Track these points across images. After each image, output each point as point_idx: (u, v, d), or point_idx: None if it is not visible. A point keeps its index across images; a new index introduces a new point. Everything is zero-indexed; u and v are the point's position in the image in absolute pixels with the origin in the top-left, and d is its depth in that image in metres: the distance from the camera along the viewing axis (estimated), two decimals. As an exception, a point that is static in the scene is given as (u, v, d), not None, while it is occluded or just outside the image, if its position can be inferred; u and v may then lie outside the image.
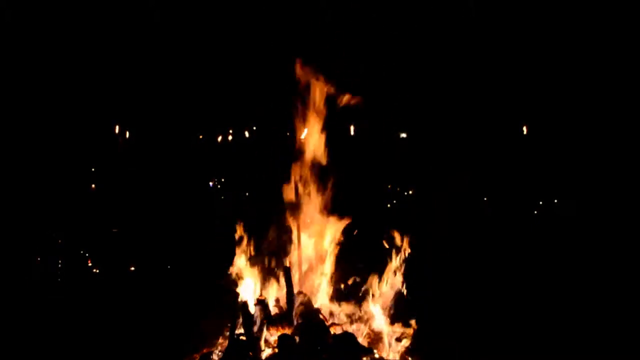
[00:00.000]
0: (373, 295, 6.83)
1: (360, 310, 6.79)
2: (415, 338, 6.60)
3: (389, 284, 6.81)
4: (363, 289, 6.88)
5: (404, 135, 12.74)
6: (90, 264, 9.95)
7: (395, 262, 6.86)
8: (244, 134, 11.58)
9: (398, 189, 11.80)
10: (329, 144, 7.81)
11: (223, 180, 11.52)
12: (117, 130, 11.30)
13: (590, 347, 7.09)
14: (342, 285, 6.96)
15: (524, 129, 11.93)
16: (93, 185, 11.33)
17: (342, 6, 9.69)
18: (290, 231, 7.08)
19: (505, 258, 9.78)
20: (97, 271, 9.85)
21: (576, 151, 11.53)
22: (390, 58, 10.73)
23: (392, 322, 6.77)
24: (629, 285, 8.74)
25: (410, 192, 11.85)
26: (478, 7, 10.32)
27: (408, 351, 6.57)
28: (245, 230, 7.18)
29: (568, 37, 10.81)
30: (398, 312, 6.76)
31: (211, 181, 11.42)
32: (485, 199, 11.64)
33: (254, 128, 11.51)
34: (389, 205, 11.40)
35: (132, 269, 9.86)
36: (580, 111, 11.34)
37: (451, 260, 9.52)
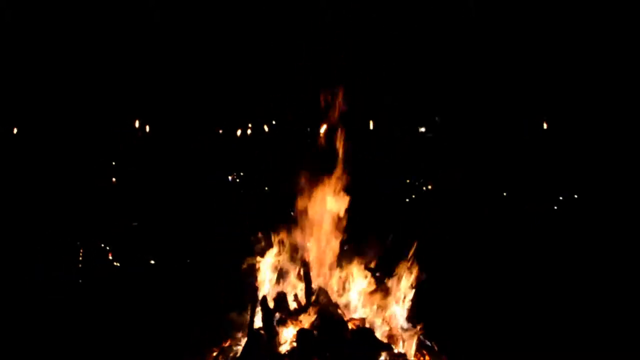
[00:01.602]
0: (391, 292, 6.85)
1: (378, 306, 6.81)
2: (431, 334, 6.63)
3: (405, 280, 6.83)
4: (381, 284, 6.90)
5: (422, 129, 12.72)
6: (111, 257, 10.04)
7: (410, 260, 6.87)
8: (263, 129, 11.61)
9: (416, 183, 11.80)
10: (348, 139, 7.83)
11: (242, 174, 11.56)
12: (137, 125, 11.36)
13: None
14: (361, 281, 6.97)
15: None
16: (114, 179, 11.42)
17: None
18: (309, 226, 7.11)
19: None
20: (118, 264, 9.94)
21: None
22: (395, 55, 10.74)
23: (409, 319, 6.79)
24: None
25: (429, 187, 11.85)
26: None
27: (424, 347, 6.60)
28: (264, 225, 7.23)
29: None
30: (415, 308, 6.78)
31: (230, 175, 11.47)
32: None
33: (273, 122, 11.53)
34: (407, 200, 11.41)
35: (152, 262, 9.94)
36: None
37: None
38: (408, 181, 11.92)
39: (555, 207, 11.45)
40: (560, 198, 11.51)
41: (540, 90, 11.40)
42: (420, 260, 7.02)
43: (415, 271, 6.89)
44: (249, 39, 10.53)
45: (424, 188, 11.78)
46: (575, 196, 11.53)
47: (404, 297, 6.85)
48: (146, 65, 10.82)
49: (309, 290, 6.71)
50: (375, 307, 6.80)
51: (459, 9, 10.41)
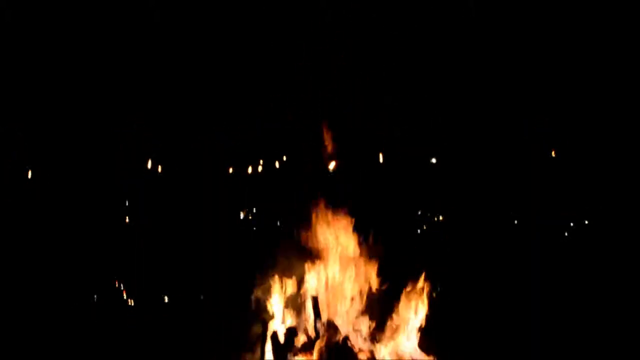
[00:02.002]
0: (400, 323, 6.88)
1: (389, 337, 6.84)
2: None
3: (415, 312, 6.86)
4: (391, 316, 6.93)
5: (434, 160, 12.76)
6: (125, 296, 10.12)
7: (421, 291, 6.91)
8: (274, 165, 11.71)
9: (428, 214, 11.81)
10: (358, 173, 7.94)
11: (255, 209, 11.64)
12: (149, 165, 11.48)
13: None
14: (370, 313, 7.00)
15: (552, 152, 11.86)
16: (127, 219, 11.52)
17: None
18: (318, 260, 7.18)
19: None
20: (132, 303, 10.01)
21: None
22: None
23: (420, 348, 6.81)
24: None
25: (440, 218, 11.84)
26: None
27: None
28: (274, 260, 7.31)
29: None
30: (425, 338, 6.80)
31: (242, 211, 11.55)
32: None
33: (284, 158, 11.64)
34: (418, 231, 11.42)
35: (166, 299, 10.01)
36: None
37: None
38: (419, 212, 11.94)
39: (567, 234, 11.42)
40: (572, 224, 11.48)
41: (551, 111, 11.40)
42: (430, 290, 7.06)
43: (425, 301, 6.93)
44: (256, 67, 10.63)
45: (435, 219, 11.79)
46: (586, 222, 11.49)
47: (414, 327, 6.88)
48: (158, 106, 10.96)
49: (317, 324, 6.76)
50: (385, 337, 6.83)
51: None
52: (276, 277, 7.17)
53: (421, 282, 6.97)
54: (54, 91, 10.70)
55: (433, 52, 10.69)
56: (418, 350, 6.79)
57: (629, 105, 10.82)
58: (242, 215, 11.58)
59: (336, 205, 7.50)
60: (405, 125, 11.09)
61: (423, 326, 6.86)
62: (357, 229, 7.35)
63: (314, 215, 7.35)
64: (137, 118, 11.10)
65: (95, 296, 9.97)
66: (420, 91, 10.78)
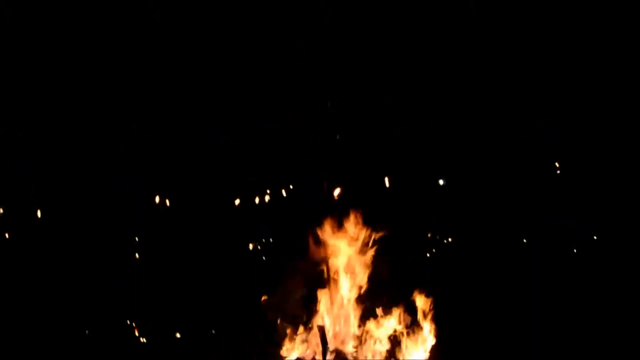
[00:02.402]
0: (411, 350, 6.83)
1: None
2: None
3: (424, 338, 6.81)
4: (400, 344, 6.89)
5: (441, 182, 12.71)
6: (137, 334, 10.10)
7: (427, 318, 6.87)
8: (281, 193, 11.71)
9: (437, 237, 11.74)
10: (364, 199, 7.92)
11: (264, 240, 11.63)
12: (157, 200, 11.51)
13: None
14: (380, 341, 6.96)
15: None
16: (137, 255, 11.53)
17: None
18: (326, 290, 7.16)
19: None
20: (144, 340, 9.99)
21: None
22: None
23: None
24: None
25: (450, 240, 11.77)
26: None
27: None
28: (282, 289, 7.29)
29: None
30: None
31: (252, 243, 11.53)
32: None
33: (291, 187, 11.64)
34: (427, 255, 11.35)
35: (178, 336, 9.99)
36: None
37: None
38: (429, 235, 11.88)
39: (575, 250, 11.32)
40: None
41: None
42: (439, 317, 7.01)
43: (433, 329, 6.88)
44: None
45: (445, 241, 11.72)
46: (595, 237, 11.37)
47: (425, 354, 6.83)
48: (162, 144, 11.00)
49: (325, 354, 6.72)
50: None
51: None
52: (283, 307, 7.17)
53: (430, 309, 6.93)
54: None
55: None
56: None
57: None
58: (250, 247, 11.57)
59: (343, 231, 7.49)
60: (411, 142, 11.08)
61: (433, 355, 6.81)
62: (366, 253, 7.33)
63: (320, 242, 7.34)
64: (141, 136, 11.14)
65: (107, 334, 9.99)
66: (425, 104, 10.75)
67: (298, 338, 7.02)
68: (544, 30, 10.68)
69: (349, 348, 6.82)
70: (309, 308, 7.09)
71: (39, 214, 11.29)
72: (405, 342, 6.79)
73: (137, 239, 11.70)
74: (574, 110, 11.33)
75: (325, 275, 7.23)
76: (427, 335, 6.79)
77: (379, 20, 9.98)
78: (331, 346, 6.76)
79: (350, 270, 7.20)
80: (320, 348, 6.79)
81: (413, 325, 6.88)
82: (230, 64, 10.44)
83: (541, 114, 11.37)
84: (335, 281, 7.15)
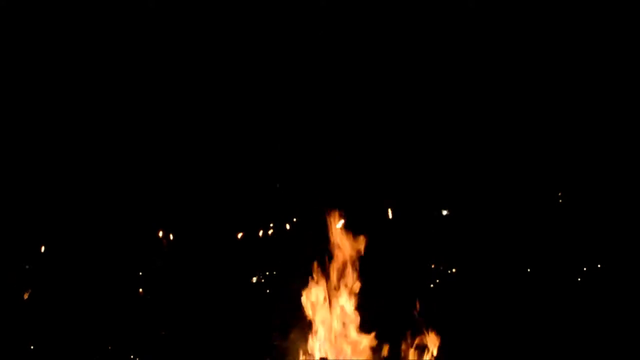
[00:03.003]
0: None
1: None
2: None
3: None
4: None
5: (445, 212, 12.72)
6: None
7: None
8: (285, 227, 11.74)
9: (441, 268, 11.73)
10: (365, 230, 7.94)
11: (267, 273, 11.63)
12: (160, 235, 11.55)
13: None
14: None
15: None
16: (141, 290, 11.53)
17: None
18: (325, 324, 7.16)
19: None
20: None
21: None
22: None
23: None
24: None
25: (454, 270, 11.76)
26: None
27: None
28: (279, 319, 7.30)
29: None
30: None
31: (255, 277, 11.53)
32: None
33: (294, 220, 11.68)
34: (431, 286, 11.33)
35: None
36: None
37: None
38: (433, 266, 11.87)
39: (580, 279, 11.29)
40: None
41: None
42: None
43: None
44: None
45: (449, 272, 11.70)
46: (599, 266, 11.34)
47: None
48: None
49: (329, 386, 6.71)
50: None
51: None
52: (286, 341, 7.17)
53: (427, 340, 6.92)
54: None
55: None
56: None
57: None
58: (254, 280, 11.57)
59: (342, 263, 7.50)
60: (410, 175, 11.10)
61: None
62: (364, 285, 7.33)
63: (316, 279, 7.36)
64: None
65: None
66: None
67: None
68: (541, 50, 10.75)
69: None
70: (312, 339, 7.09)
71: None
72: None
73: (140, 273, 11.73)
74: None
75: (328, 305, 7.23)
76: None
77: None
78: (334, 377, 6.76)
79: (352, 301, 7.20)
80: (324, 379, 6.78)
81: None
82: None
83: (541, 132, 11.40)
84: (337, 312, 7.15)
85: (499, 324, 9.90)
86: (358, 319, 7.07)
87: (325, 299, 7.13)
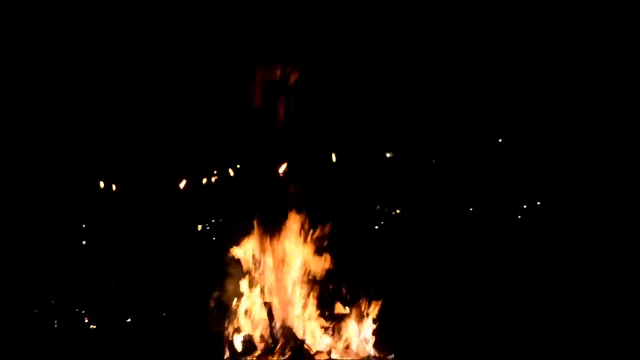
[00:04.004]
0: (356, 322, 6.89)
1: (345, 338, 6.85)
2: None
3: (370, 310, 6.88)
4: (346, 315, 6.94)
5: (389, 155, 12.76)
6: (87, 320, 10.02)
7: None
8: (229, 173, 11.66)
9: (386, 209, 11.82)
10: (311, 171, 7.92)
11: (213, 221, 11.59)
12: (102, 186, 11.38)
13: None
14: (326, 314, 7.00)
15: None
16: (84, 242, 11.41)
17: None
18: (271, 267, 7.17)
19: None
20: (94, 327, 9.92)
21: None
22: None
23: (378, 347, 6.82)
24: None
25: (398, 211, 11.86)
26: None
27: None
28: (229, 267, 7.30)
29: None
30: (381, 337, 6.81)
31: (200, 225, 11.49)
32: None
33: (238, 166, 11.58)
34: (376, 227, 11.43)
35: (129, 320, 9.93)
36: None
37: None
38: (378, 208, 11.96)
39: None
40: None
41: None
42: (383, 290, 7.07)
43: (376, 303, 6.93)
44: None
45: (393, 214, 11.81)
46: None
47: (370, 327, 6.89)
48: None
49: (273, 330, 6.75)
50: (341, 339, 6.83)
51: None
52: (230, 286, 7.18)
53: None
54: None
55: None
56: (374, 349, 6.81)
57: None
58: (199, 228, 11.53)
59: (288, 208, 7.48)
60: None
61: (380, 325, 6.88)
62: (311, 229, 7.34)
63: (265, 220, 7.33)
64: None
65: (55, 323, 9.89)
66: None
67: (244, 315, 7.03)
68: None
69: (296, 323, 6.86)
70: (255, 288, 7.10)
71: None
72: (353, 312, 6.86)
73: (84, 225, 11.59)
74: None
75: (272, 255, 7.23)
76: (373, 307, 6.85)
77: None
78: (278, 322, 6.79)
79: (295, 248, 7.21)
80: (268, 324, 6.82)
81: (356, 302, 6.93)
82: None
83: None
84: (281, 259, 7.16)
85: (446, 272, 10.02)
86: (301, 267, 7.09)
87: (268, 247, 7.14)
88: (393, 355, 6.76)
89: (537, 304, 8.97)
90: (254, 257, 7.20)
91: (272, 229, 7.33)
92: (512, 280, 9.76)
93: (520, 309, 8.92)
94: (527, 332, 8.23)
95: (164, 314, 9.86)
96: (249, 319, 7.03)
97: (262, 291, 7.05)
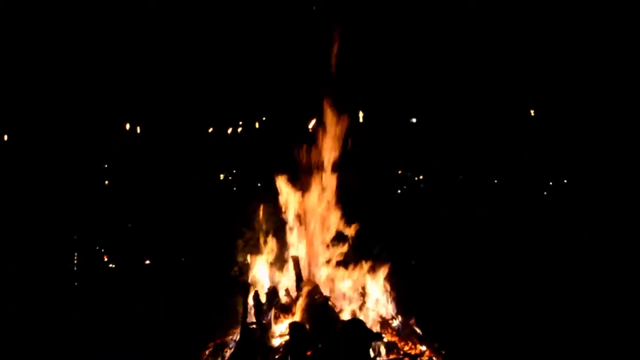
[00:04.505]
0: (380, 282, 6.93)
1: (368, 297, 6.90)
2: (422, 324, 6.71)
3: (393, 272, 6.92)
4: (371, 275, 6.98)
5: (413, 120, 12.75)
6: (106, 259, 10.11)
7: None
8: (254, 125, 11.66)
9: (408, 174, 11.86)
10: (339, 133, 7.89)
11: (234, 171, 11.62)
12: (127, 127, 11.42)
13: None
14: (351, 273, 7.04)
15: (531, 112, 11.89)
16: (107, 181, 11.48)
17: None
18: (299, 220, 7.19)
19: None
20: (113, 266, 10.00)
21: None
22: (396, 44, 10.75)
23: (400, 308, 6.87)
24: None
25: (420, 177, 11.90)
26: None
27: (415, 335, 6.68)
28: (256, 221, 7.31)
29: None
30: (405, 298, 6.87)
31: (222, 174, 11.53)
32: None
33: (264, 119, 11.57)
34: (398, 192, 11.48)
35: (147, 262, 10.01)
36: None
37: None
38: (400, 172, 11.98)
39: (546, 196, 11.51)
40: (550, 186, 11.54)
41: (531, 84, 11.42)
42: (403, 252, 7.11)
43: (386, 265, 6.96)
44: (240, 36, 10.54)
45: (416, 179, 11.85)
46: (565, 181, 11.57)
47: (393, 289, 6.94)
48: (135, 66, 10.85)
49: (299, 284, 6.80)
50: (365, 297, 6.88)
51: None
52: (257, 238, 7.21)
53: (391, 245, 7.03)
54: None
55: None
56: (397, 309, 6.86)
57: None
58: (222, 177, 11.59)
59: (318, 165, 7.47)
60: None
61: (402, 286, 6.92)
62: (339, 188, 7.34)
63: (293, 177, 7.33)
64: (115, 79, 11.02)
65: (75, 259, 9.98)
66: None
67: (270, 268, 7.09)
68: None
69: (321, 279, 6.91)
70: (283, 241, 7.14)
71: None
72: (373, 279, 6.91)
73: (106, 165, 11.65)
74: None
75: (299, 210, 7.25)
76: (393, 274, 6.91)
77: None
78: (304, 276, 6.84)
79: (324, 206, 7.23)
80: (294, 279, 6.87)
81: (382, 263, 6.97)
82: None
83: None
84: (310, 216, 7.18)
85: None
86: (331, 224, 7.12)
87: (296, 203, 7.15)
88: (414, 319, 6.80)
89: (558, 270, 9.02)
90: (282, 211, 7.22)
91: (301, 184, 7.33)
92: (530, 245, 9.83)
93: (539, 272, 8.97)
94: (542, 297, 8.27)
95: (184, 259, 9.96)
96: (274, 271, 7.09)
97: (290, 245, 7.09)
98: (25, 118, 10.90)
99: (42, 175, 10.94)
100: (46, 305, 8.12)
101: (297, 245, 7.10)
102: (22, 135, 10.92)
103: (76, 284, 9.32)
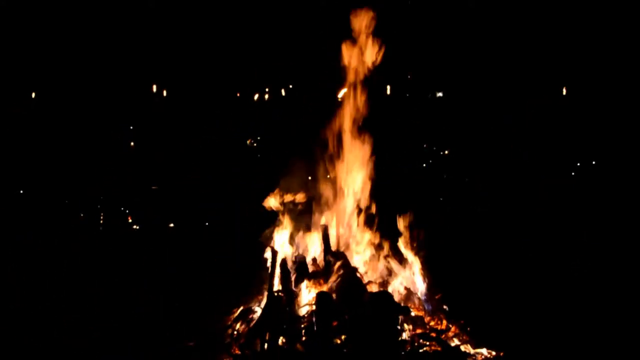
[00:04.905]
0: (409, 258, 6.91)
1: (396, 271, 6.88)
2: (448, 300, 6.70)
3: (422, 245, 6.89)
4: (399, 250, 6.96)
5: (440, 94, 12.67)
6: (130, 220, 10.15)
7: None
8: (281, 93, 11.61)
9: (434, 148, 11.80)
10: (367, 103, 7.83)
11: (259, 138, 11.59)
12: (154, 89, 11.40)
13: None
14: (381, 247, 7.02)
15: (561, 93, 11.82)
16: (132, 143, 11.49)
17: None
18: (328, 190, 7.16)
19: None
20: (137, 227, 10.05)
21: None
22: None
23: (428, 284, 6.85)
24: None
25: (446, 152, 11.84)
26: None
27: (441, 311, 6.67)
28: (283, 189, 7.28)
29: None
30: (432, 273, 6.85)
31: (248, 140, 11.51)
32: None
33: (290, 87, 11.52)
34: (424, 165, 11.43)
35: (171, 225, 10.05)
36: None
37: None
38: (425, 146, 11.92)
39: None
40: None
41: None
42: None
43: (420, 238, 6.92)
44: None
45: (441, 153, 11.79)
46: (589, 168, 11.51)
47: (421, 264, 6.91)
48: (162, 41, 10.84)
49: (327, 254, 6.78)
50: (393, 271, 6.87)
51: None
52: (285, 207, 7.18)
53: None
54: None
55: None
56: (424, 286, 6.84)
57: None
58: (248, 143, 11.56)
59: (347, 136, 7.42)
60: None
61: (430, 261, 6.90)
62: (370, 159, 7.29)
63: (324, 146, 7.28)
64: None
65: (101, 219, 10.04)
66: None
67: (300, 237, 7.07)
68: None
69: (350, 250, 6.89)
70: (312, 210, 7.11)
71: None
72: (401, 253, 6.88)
73: (131, 127, 11.64)
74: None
75: (328, 181, 7.22)
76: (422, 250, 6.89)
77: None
78: (333, 247, 6.82)
79: (353, 177, 7.19)
80: (322, 248, 6.85)
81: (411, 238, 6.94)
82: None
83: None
84: (340, 186, 7.14)
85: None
86: (361, 197, 7.08)
87: (327, 175, 7.12)
88: (441, 294, 6.79)
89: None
90: (310, 181, 7.19)
91: (331, 156, 7.28)
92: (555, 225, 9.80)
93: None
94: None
95: (207, 223, 9.97)
96: (302, 240, 7.07)
97: (319, 215, 7.07)
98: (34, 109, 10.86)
99: (67, 135, 10.95)
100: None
101: (327, 215, 7.08)
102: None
103: (100, 244, 9.34)
